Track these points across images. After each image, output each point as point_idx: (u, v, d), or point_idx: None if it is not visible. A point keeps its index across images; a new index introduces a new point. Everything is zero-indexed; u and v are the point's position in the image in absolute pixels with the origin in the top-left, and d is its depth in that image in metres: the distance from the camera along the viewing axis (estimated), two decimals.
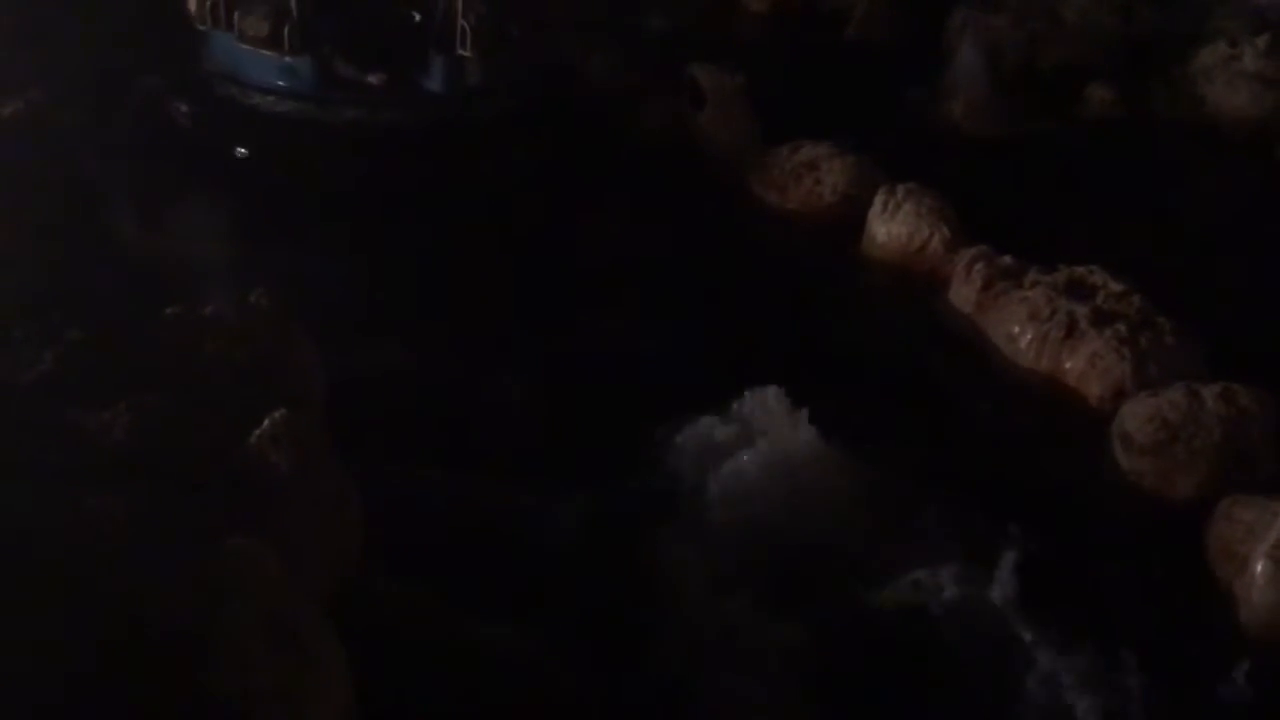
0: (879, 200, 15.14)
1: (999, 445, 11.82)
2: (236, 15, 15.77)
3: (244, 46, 15.79)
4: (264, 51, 15.66)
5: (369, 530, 9.52)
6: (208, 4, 16.04)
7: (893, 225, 14.89)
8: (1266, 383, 11.56)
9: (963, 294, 13.72)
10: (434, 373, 12.15)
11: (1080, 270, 13.30)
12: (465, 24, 15.46)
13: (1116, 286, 12.96)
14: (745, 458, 11.04)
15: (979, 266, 13.71)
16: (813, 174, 16.16)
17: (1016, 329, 12.95)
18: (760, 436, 11.20)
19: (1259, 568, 9.76)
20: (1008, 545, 10.32)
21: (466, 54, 15.67)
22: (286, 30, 15.49)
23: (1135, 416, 11.49)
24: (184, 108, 16.03)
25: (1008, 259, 13.75)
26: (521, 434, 11.58)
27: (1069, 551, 10.42)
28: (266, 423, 9.27)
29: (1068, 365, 12.49)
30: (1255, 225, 16.32)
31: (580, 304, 13.59)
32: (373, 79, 15.88)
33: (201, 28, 16.28)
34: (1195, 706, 9.18)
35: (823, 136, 16.57)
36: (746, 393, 11.53)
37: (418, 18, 16.30)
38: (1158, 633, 9.69)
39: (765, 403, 11.45)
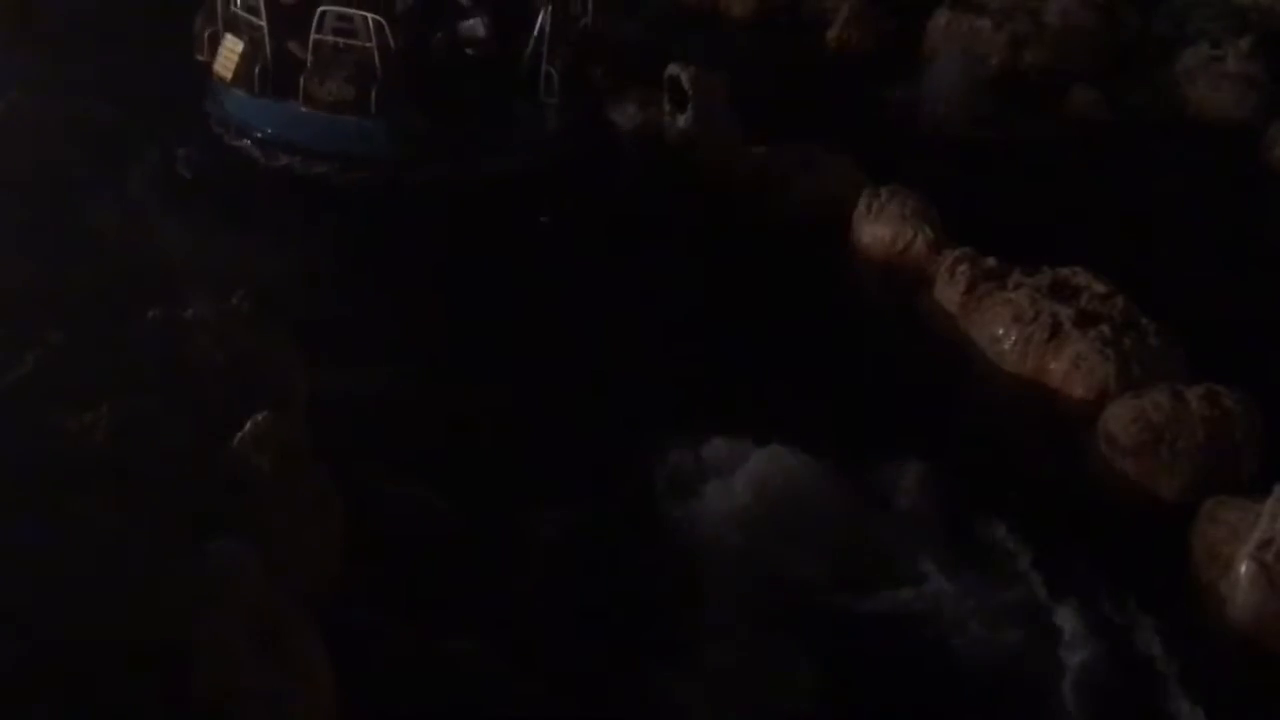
0: (863, 202, 15.13)
1: (983, 447, 11.78)
2: (304, 79, 15.12)
3: (306, 110, 15.23)
4: (343, 115, 15.10)
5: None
6: (256, 69, 15.41)
7: (876, 227, 14.88)
8: (1249, 384, 11.56)
9: (946, 295, 13.68)
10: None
11: (1064, 271, 13.28)
12: (552, 69, 15.35)
13: (1100, 288, 12.95)
14: (734, 463, 11.04)
15: (963, 268, 13.68)
16: (796, 175, 16.13)
17: (1001, 330, 12.92)
18: (747, 443, 11.23)
19: (1243, 569, 9.74)
20: (992, 547, 10.35)
21: (552, 100, 15.55)
22: (374, 92, 14.91)
23: (1119, 418, 11.49)
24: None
25: (991, 260, 13.71)
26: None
27: (1054, 553, 10.40)
28: (249, 425, 9.25)
29: (1052, 367, 12.46)
30: (1238, 226, 16.36)
31: (578, 309, 13.59)
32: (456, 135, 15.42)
33: (240, 93, 15.63)
34: (1180, 706, 9.18)
35: (806, 138, 16.53)
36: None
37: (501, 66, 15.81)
38: (1143, 633, 9.68)
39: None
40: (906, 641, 9.61)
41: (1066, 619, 9.77)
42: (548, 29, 15.36)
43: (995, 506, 10.82)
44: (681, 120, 17.15)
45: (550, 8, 15.48)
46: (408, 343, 12.52)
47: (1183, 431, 11.18)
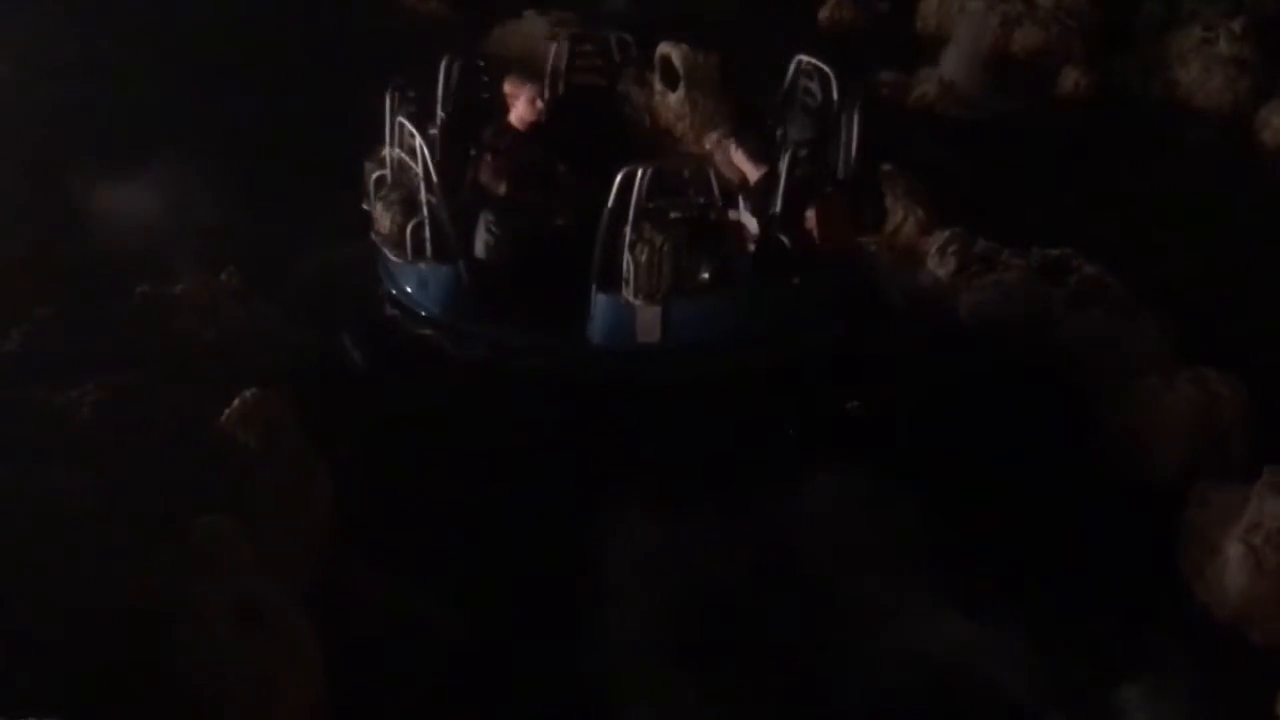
0: None
1: (972, 431, 11.74)
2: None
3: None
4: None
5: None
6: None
7: None
8: (1238, 367, 11.56)
9: (937, 277, 13.65)
10: None
11: (1055, 253, 13.26)
12: (633, 258, 10.45)
13: (1091, 270, 12.93)
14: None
15: (953, 249, 13.65)
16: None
17: (991, 312, 12.89)
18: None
19: (1231, 552, 9.75)
20: (978, 530, 10.31)
21: (638, 302, 10.61)
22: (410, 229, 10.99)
23: (1108, 401, 11.48)
24: None
25: (982, 241, 13.69)
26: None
27: (1042, 538, 10.38)
28: (236, 402, 9.21)
29: (1042, 349, 12.43)
30: (1228, 209, 16.35)
31: None
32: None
33: None
34: (1168, 691, 9.17)
35: None
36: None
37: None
38: (1131, 618, 9.67)
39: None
40: (890, 622, 9.59)
41: (1052, 602, 9.74)
42: (632, 202, 10.41)
43: (983, 490, 10.79)
44: (672, 99, 17.12)
45: (648, 172, 10.40)
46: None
47: (1172, 415, 11.18)
